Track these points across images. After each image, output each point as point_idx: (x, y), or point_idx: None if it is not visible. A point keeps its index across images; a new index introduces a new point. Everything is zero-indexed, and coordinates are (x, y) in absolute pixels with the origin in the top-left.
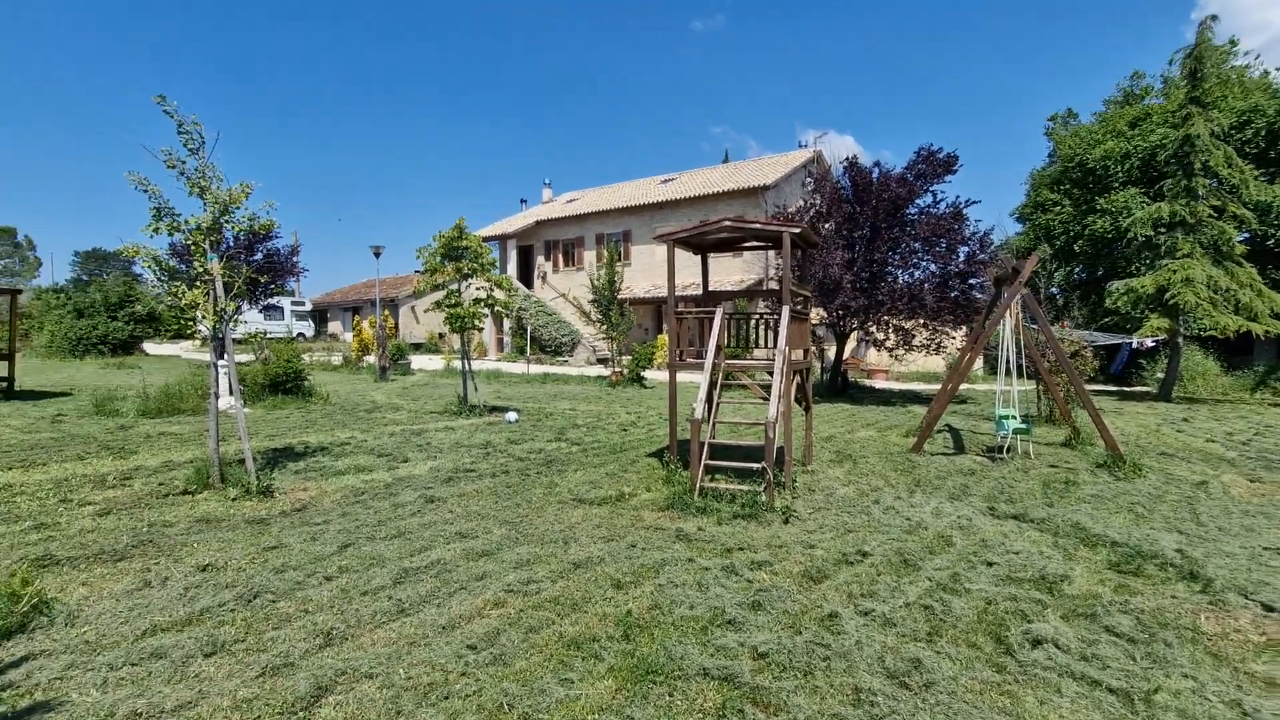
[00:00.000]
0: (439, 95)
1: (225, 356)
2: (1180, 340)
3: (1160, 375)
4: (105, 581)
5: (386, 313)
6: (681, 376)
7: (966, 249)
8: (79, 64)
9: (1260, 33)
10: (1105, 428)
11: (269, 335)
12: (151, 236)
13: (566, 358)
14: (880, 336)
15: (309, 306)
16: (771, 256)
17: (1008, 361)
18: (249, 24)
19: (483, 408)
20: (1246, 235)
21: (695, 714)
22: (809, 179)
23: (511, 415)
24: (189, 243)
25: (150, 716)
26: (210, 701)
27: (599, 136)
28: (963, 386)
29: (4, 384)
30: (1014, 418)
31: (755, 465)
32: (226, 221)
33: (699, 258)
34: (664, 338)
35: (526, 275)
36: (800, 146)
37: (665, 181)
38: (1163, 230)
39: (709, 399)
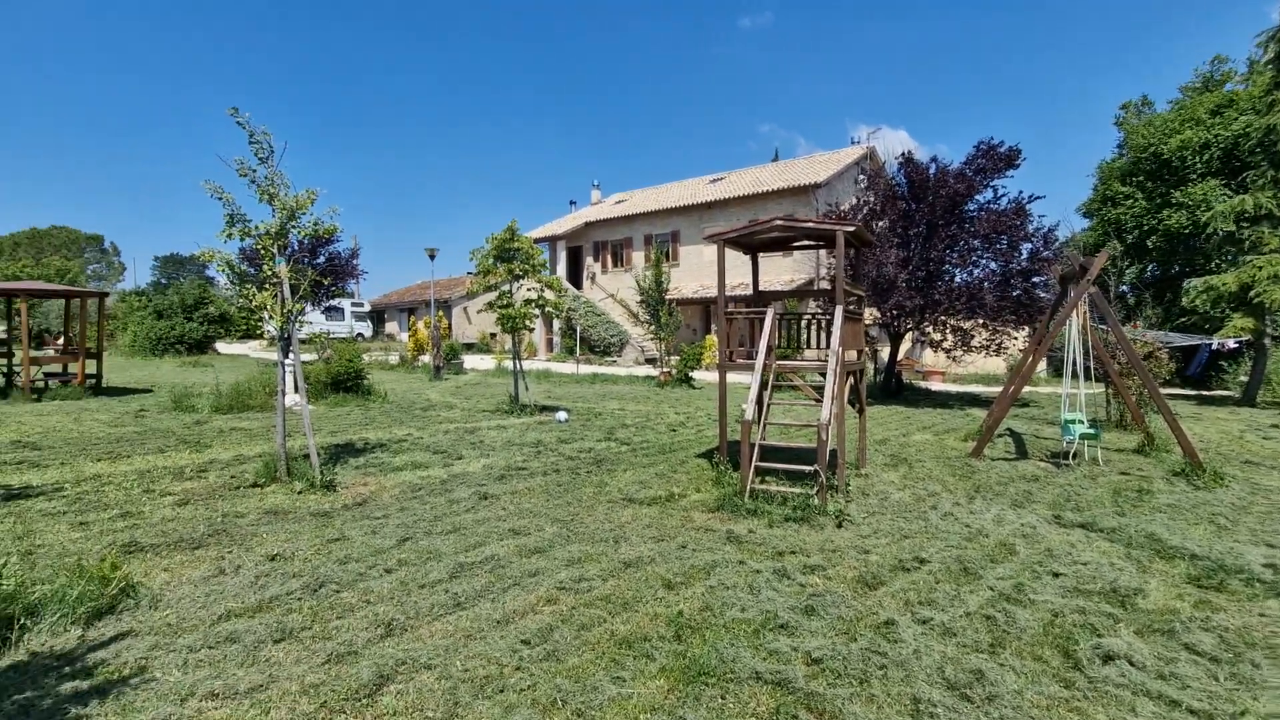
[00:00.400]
0: (490, 99)
1: (291, 355)
2: (1267, 341)
3: (1243, 378)
4: (184, 568)
5: (440, 313)
6: (730, 377)
7: (1029, 246)
8: (151, 79)
9: None
10: (1183, 433)
11: (331, 335)
12: (225, 241)
13: (615, 358)
14: (937, 337)
15: (368, 308)
16: (822, 256)
17: (1074, 363)
18: (292, 28)
19: (533, 407)
20: None
21: (748, 718)
22: (861, 176)
23: (561, 415)
24: (259, 247)
25: (226, 697)
26: (280, 685)
27: (647, 138)
28: (1025, 389)
29: (93, 381)
30: (1081, 422)
31: (807, 468)
32: (293, 226)
33: (748, 257)
34: (712, 338)
35: (576, 276)
36: (852, 143)
37: (714, 181)
38: (1246, 224)
39: (759, 400)
